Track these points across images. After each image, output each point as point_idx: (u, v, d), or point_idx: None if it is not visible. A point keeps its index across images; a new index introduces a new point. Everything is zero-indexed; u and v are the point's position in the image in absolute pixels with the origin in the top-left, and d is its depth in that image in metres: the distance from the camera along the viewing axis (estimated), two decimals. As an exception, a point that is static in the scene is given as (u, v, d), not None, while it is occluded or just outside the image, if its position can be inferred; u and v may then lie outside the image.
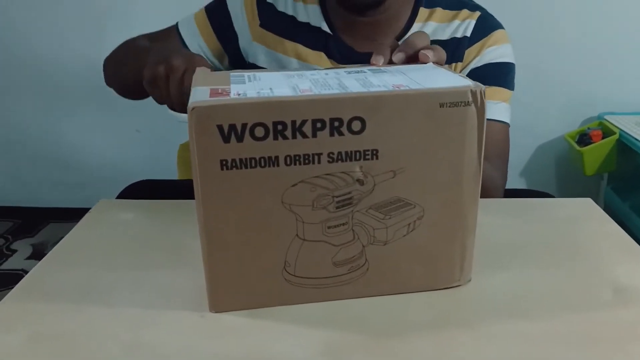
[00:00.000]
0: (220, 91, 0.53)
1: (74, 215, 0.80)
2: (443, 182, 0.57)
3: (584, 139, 1.98)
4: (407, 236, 0.58)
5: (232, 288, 0.58)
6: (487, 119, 0.94)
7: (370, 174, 0.55)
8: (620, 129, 1.91)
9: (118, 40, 1.07)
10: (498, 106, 0.97)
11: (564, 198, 0.87)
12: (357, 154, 0.54)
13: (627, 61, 2.04)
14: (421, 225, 0.58)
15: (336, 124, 0.52)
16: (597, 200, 0.82)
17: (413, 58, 0.66)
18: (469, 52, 0.98)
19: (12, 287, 0.63)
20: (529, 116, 2.07)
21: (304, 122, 0.51)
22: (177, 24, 1.06)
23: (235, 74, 0.61)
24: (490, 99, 0.96)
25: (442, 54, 0.67)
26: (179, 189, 0.94)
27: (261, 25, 1.00)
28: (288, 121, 0.51)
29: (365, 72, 0.61)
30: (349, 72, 0.61)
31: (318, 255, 0.57)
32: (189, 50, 1.01)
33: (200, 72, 0.62)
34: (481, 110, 0.54)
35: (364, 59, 0.70)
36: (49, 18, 2.09)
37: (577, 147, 1.96)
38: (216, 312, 0.58)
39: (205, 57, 1.01)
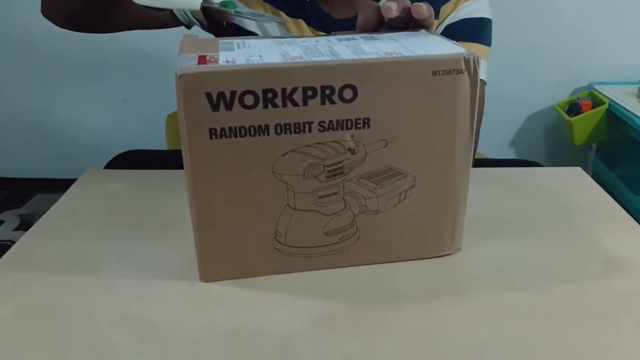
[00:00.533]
0: (208, 58, 0.52)
1: (61, 186, 0.79)
2: (435, 152, 0.56)
3: (573, 108, 1.98)
4: (399, 205, 0.58)
5: (223, 258, 0.57)
6: None
7: (362, 142, 0.54)
8: (610, 99, 1.91)
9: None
10: None
11: (553, 167, 0.87)
12: (349, 122, 0.53)
13: (616, 31, 2.03)
14: (413, 194, 0.58)
15: (327, 91, 0.51)
16: (585, 169, 0.83)
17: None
18: (445, 9, 0.96)
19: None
20: (518, 86, 2.06)
21: (294, 89, 0.50)
22: None
23: (223, 40, 0.60)
24: None
25: (433, 15, 0.65)
26: (168, 159, 0.93)
27: None
28: (278, 89, 0.50)
29: (356, 39, 0.60)
30: (340, 40, 0.60)
31: (309, 224, 0.57)
32: None
33: (187, 38, 0.61)
34: (474, 78, 0.53)
35: (342, 27, 0.68)
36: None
37: (567, 117, 1.96)
38: (206, 282, 0.58)
39: (182, 11, 0.98)
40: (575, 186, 0.79)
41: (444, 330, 0.52)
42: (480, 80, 0.96)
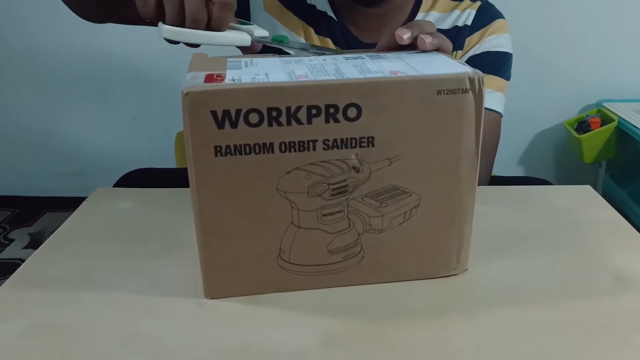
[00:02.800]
0: (215, 76, 0.53)
1: (71, 204, 0.80)
2: (440, 171, 0.56)
3: (582, 126, 1.98)
4: (403, 224, 0.58)
5: (227, 274, 0.58)
6: None
7: (366, 161, 0.54)
8: (619, 117, 1.91)
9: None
10: (493, 95, 0.97)
11: (563, 185, 0.86)
12: (353, 141, 0.53)
13: (625, 49, 2.03)
14: (418, 213, 0.57)
15: (331, 110, 0.51)
16: (595, 187, 0.82)
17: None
18: (470, 40, 0.98)
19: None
20: (527, 104, 2.06)
21: (298, 108, 0.51)
22: None
23: (232, 59, 0.61)
24: (486, 87, 0.95)
25: (446, 42, 0.65)
26: (176, 177, 0.93)
27: None
28: (283, 107, 0.50)
29: (363, 58, 0.60)
30: (347, 58, 0.60)
31: (313, 242, 0.57)
32: None
33: (197, 57, 0.61)
34: (479, 97, 0.53)
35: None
36: (47, 8, 2.07)
37: (576, 135, 1.96)
38: (211, 299, 0.58)
39: None
40: (585, 204, 0.78)
41: (454, 348, 0.51)
42: (497, 112, 0.97)
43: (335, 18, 0.98)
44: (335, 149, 0.53)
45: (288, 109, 0.51)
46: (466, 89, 0.53)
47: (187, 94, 0.49)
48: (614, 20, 1.99)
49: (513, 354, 0.51)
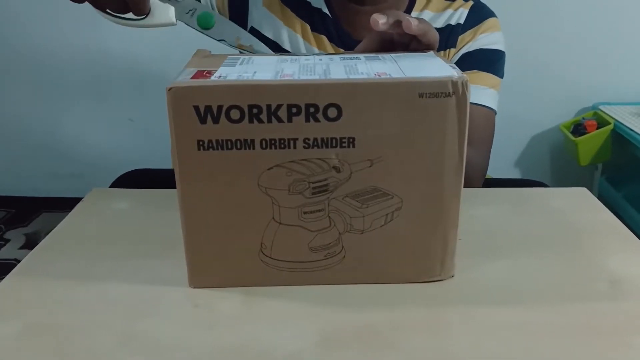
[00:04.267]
0: (205, 73, 0.54)
1: (67, 204, 0.80)
2: (422, 174, 0.56)
3: (578, 129, 1.98)
4: (385, 227, 0.58)
5: (211, 265, 0.59)
6: (474, 104, 0.94)
7: (347, 161, 0.54)
8: (615, 119, 1.91)
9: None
10: (486, 92, 0.97)
11: (559, 187, 0.87)
12: (334, 141, 0.53)
13: (622, 52, 2.03)
14: (400, 216, 0.57)
15: (312, 109, 0.52)
16: (591, 190, 0.83)
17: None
18: (462, 38, 0.98)
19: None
20: (523, 106, 2.06)
21: (279, 106, 0.52)
22: None
23: (232, 56, 0.61)
24: (479, 84, 0.96)
25: (432, 29, 0.65)
26: (174, 178, 0.93)
27: None
28: (263, 105, 0.52)
29: (360, 59, 0.60)
30: (343, 59, 0.60)
31: (294, 239, 0.57)
32: None
33: (199, 53, 0.63)
34: (463, 102, 0.53)
35: None
36: (46, 9, 2.07)
37: (572, 137, 1.96)
38: (194, 288, 0.59)
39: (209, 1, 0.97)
40: (581, 207, 0.78)
41: (451, 349, 0.51)
42: (490, 109, 0.97)
43: (329, 15, 0.98)
44: (315, 147, 0.53)
45: (269, 106, 0.52)
46: (449, 92, 0.52)
47: (170, 89, 0.51)
48: (611, 23, 2.00)
49: (509, 356, 0.51)
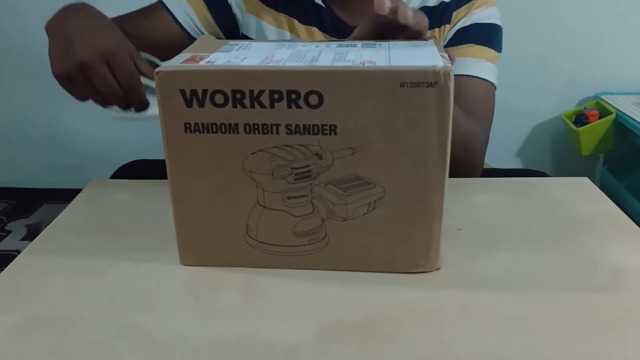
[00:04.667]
0: (197, 58, 0.56)
1: (68, 196, 0.79)
2: (404, 164, 0.55)
3: (580, 118, 1.98)
4: (367, 215, 0.58)
5: (199, 245, 0.61)
6: (472, 76, 0.93)
7: (329, 149, 0.55)
8: (617, 109, 1.90)
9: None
10: (484, 65, 0.96)
11: (560, 177, 0.86)
12: (315, 127, 0.54)
13: (624, 41, 2.02)
14: (382, 205, 0.57)
15: (293, 96, 0.52)
16: (593, 180, 0.82)
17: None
18: (457, 14, 0.97)
19: (5, 268, 0.62)
20: (525, 96, 2.06)
21: (261, 92, 0.52)
22: None
23: (232, 42, 0.62)
24: (477, 57, 0.95)
25: (424, 21, 0.65)
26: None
27: None
28: (246, 90, 0.53)
29: (355, 46, 0.60)
30: (339, 46, 0.60)
31: (278, 223, 0.58)
32: (179, 23, 0.97)
33: (203, 39, 0.64)
34: (445, 92, 0.52)
35: None
36: (46, 1, 2.06)
37: (574, 127, 1.95)
38: (185, 265, 0.61)
39: (196, 28, 0.98)
40: (583, 196, 0.78)
41: (450, 341, 0.51)
42: (489, 82, 0.96)
43: (322, 4, 0.97)
44: (297, 134, 0.54)
45: (251, 92, 0.53)
46: (430, 82, 0.51)
47: (157, 72, 0.53)
48: (613, 13, 1.98)
49: (509, 347, 0.51)
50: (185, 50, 0.59)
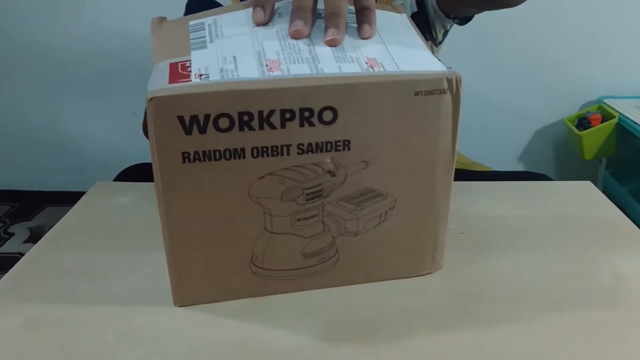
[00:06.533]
0: (180, 68, 0.50)
1: (71, 198, 0.79)
2: (416, 172, 0.55)
3: (583, 122, 1.98)
4: (379, 227, 0.57)
5: (197, 281, 0.56)
6: None
7: (342, 165, 0.52)
8: (620, 113, 1.90)
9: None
10: None
11: (563, 181, 0.86)
12: (329, 144, 0.51)
13: (627, 45, 2.02)
14: (393, 215, 0.56)
15: (306, 114, 0.49)
16: (595, 184, 0.82)
17: None
18: None
19: (8, 271, 0.62)
20: (528, 100, 2.06)
21: (272, 112, 0.48)
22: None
23: (194, 27, 0.56)
24: None
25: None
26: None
27: None
28: (255, 112, 0.47)
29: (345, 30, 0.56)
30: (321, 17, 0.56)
31: (287, 247, 0.55)
32: None
33: (156, 25, 0.58)
34: (456, 98, 0.52)
35: None
36: (47, 4, 2.07)
37: (576, 131, 1.95)
38: (180, 307, 0.57)
39: None
40: (585, 201, 0.78)
41: (452, 345, 0.51)
42: None
43: None
44: (310, 153, 0.50)
45: (260, 113, 0.48)
46: (444, 89, 0.51)
47: (151, 99, 0.46)
48: (616, 17, 1.98)
49: (512, 351, 0.51)
50: (154, 52, 0.54)
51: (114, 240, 0.68)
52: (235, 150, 0.49)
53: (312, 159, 0.51)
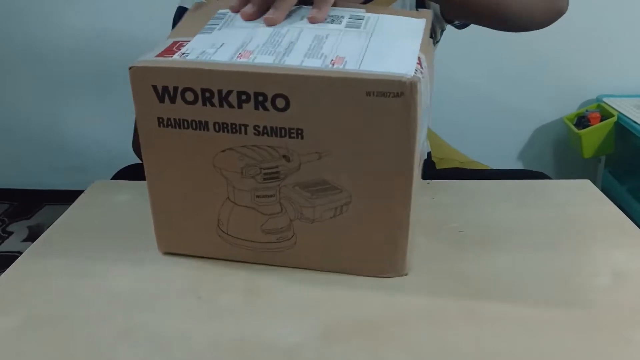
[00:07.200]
0: (176, 46, 0.56)
1: (70, 197, 0.79)
2: (370, 172, 0.55)
3: (582, 121, 1.98)
4: (334, 219, 0.58)
5: (175, 233, 0.63)
6: None
7: (296, 152, 0.55)
8: (619, 112, 1.90)
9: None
10: None
11: (562, 179, 0.86)
12: (282, 130, 0.54)
13: (626, 44, 2.02)
14: (348, 211, 0.57)
15: (260, 98, 0.52)
16: (594, 183, 0.82)
17: None
18: None
19: (7, 269, 0.62)
20: (527, 98, 2.06)
21: (229, 92, 0.52)
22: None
23: (218, 15, 0.62)
24: None
25: None
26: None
27: None
28: (215, 90, 0.53)
29: (340, 22, 0.59)
30: (332, 21, 0.59)
31: (248, 220, 0.59)
32: None
33: (195, 8, 0.64)
34: (412, 103, 0.50)
35: None
36: (47, 3, 2.07)
37: (576, 130, 1.95)
38: (163, 253, 0.64)
39: None
40: (584, 199, 0.78)
41: (452, 342, 0.51)
42: None
43: None
44: (265, 135, 0.54)
45: (220, 91, 0.53)
46: (397, 93, 0.50)
47: (130, 67, 0.53)
48: (615, 16, 1.98)
49: (511, 349, 0.51)
50: (174, 30, 0.61)
51: (113, 238, 0.68)
52: (200, 122, 0.55)
53: (268, 142, 0.55)
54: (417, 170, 0.57)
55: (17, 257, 0.64)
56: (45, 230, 0.70)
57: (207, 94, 0.53)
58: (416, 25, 0.60)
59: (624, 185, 1.97)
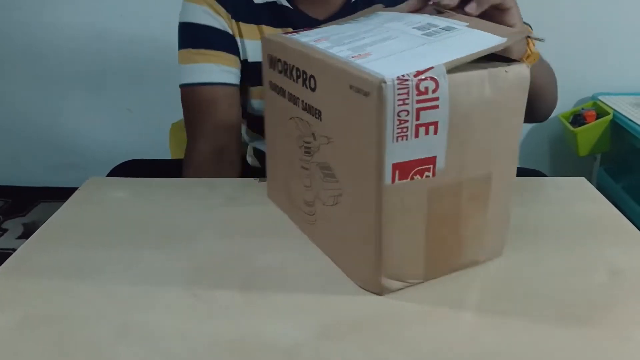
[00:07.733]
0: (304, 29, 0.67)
1: (65, 194, 0.79)
2: (355, 169, 0.54)
3: (577, 119, 1.98)
4: (333, 207, 0.59)
5: (272, 184, 0.75)
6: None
7: (317, 132, 0.59)
8: (614, 110, 1.91)
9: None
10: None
11: (557, 177, 0.86)
12: (312, 109, 0.58)
13: (622, 42, 2.03)
14: (340, 203, 0.57)
15: (304, 75, 0.59)
16: (590, 181, 0.82)
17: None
18: None
19: (2, 267, 0.62)
20: (523, 96, 2.06)
21: (293, 67, 0.61)
22: (182, 90, 0.98)
23: (381, 16, 0.69)
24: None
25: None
26: (170, 169, 0.92)
27: (233, 18, 0.96)
28: (290, 64, 0.61)
29: (431, 30, 0.59)
30: (415, 27, 0.60)
31: (297, 187, 0.65)
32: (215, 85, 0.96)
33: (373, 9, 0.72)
34: (380, 105, 0.48)
35: None
36: (45, 1, 2.06)
37: (571, 128, 1.96)
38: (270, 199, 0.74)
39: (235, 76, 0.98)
40: (580, 197, 0.78)
41: (450, 341, 0.51)
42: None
43: (289, 5, 0.95)
44: (305, 111, 0.60)
45: (286, 64, 0.62)
46: (366, 92, 0.49)
47: (262, 38, 0.69)
48: (611, 14, 1.99)
49: (509, 347, 0.51)
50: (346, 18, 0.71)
51: (108, 235, 0.68)
52: (282, 89, 0.64)
53: (307, 117, 0.60)
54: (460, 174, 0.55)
55: (12, 254, 0.64)
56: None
57: (285, 66, 0.62)
58: (484, 42, 0.54)
59: (619, 183, 1.98)
